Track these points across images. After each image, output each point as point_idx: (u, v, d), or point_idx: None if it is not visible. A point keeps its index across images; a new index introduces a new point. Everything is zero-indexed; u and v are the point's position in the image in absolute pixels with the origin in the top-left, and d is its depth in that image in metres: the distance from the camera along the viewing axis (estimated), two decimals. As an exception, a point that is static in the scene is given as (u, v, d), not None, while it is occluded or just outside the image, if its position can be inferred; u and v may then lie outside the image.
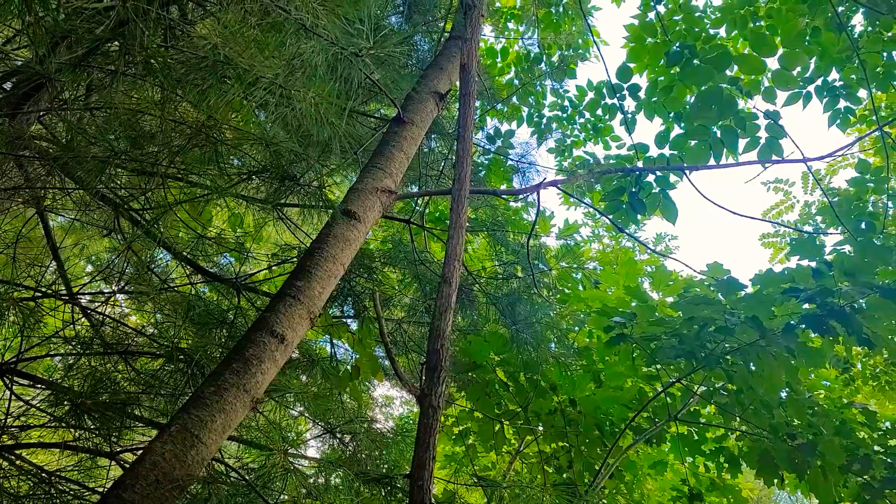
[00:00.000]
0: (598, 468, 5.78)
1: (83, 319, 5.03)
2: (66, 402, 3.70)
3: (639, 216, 5.71)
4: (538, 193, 3.50)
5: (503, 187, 7.30)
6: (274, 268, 5.48)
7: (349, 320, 5.72)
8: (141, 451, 2.33)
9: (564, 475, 6.07)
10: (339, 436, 5.78)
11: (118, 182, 3.99)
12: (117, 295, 5.28)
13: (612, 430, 6.01)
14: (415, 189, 5.23)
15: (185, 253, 5.09)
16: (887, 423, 5.73)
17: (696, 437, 6.21)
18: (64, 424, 3.68)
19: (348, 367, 5.64)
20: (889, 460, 5.28)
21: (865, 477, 5.20)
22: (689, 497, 6.00)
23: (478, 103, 7.35)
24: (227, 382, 2.56)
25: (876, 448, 5.41)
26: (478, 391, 5.88)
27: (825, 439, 4.82)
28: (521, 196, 5.46)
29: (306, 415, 5.54)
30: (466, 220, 2.83)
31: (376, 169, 3.40)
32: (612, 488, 6.29)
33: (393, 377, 6.01)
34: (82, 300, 5.13)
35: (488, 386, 5.82)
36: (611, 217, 4.60)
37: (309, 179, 3.20)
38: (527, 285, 5.52)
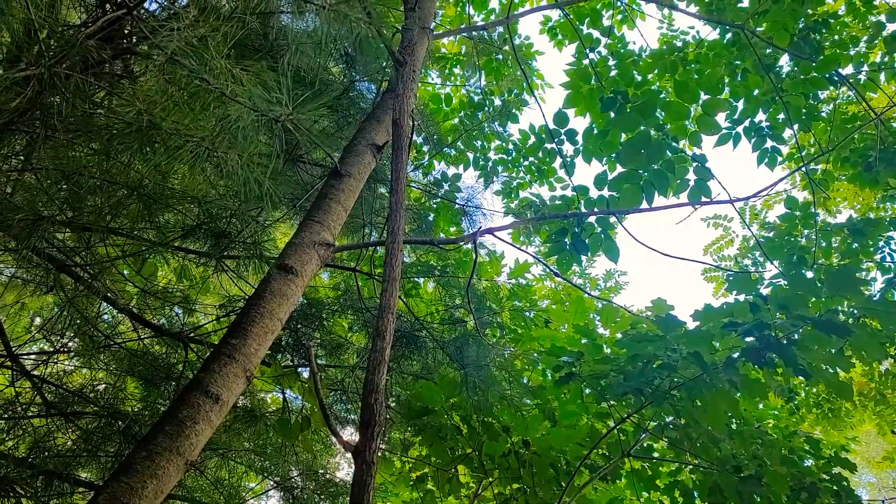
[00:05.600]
0: (555, 508, 5.78)
1: (23, 380, 4.91)
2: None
3: (582, 256, 5.85)
4: (475, 241, 3.57)
5: (453, 229, 7.41)
6: (222, 319, 5.44)
7: (302, 369, 5.68)
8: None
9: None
10: (290, 489, 5.69)
11: (57, 238, 3.95)
12: (60, 353, 5.16)
13: (567, 468, 6.03)
14: (358, 239, 5.28)
15: (130, 307, 5.03)
16: (834, 452, 5.88)
17: (651, 473, 6.26)
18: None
19: (300, 418, 5.58)
20: (835, 488, 5.41)
21: (813, 505, 5.32)
22: (646, 532, 6.04)
23: (426, 149, 7.47)
24: (159, 446, 2.53)
25: (823, 476, 5.54)
26: (431, 436, 5.87)
27: (770, 470, 4.92)
28: (461, 244, 5.54)
29: (256, 469, 5.45)
30: (400, 272, 2.88)
31: (314, 222, 3.44)
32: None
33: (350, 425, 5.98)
34: (23, 360, 5.01)
35: (441, 430, 5.82)
36: (543, 260, 4.70)
37: (245, 236, 3.22)
38: (476, 328, 5.56)
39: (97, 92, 2.37)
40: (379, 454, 2.37)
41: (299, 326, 4.99)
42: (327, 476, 5.94)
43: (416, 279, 6.63)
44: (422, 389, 5.51)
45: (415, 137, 6.04)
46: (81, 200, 3.20)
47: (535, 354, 7.67)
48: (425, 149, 7.25)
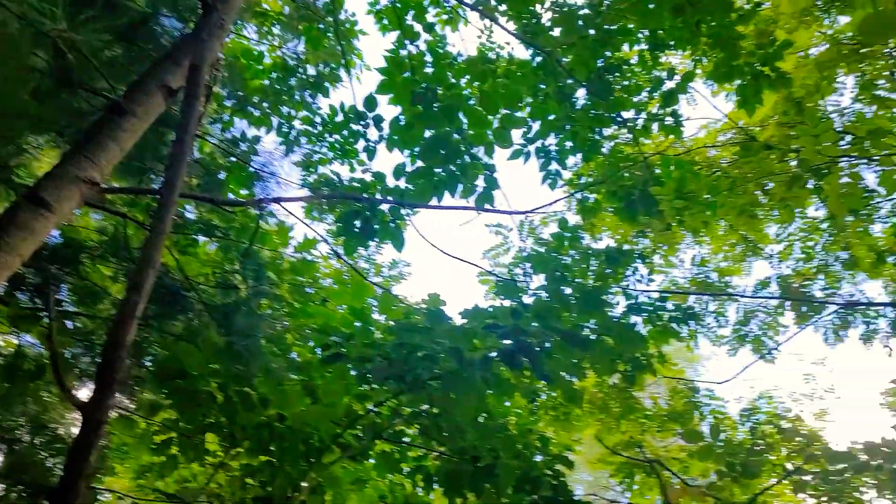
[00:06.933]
0: (301, 483, 5.81)
1: None
2: None
3: (371, 242, 5.94)
4: (262, 207, 3.48)
5: (245, 192, 7.12)
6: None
7: (44, 313, 5.14)
8: None
9: (268, 489, 6.01)
10: (12, 442, 5.15)
11: None
12: None
13: (320, 445, 6.09)
14: (135, 185, 4.89)
15: None
16: (559, 451, 6.54)
17: (398, 456, 6.53)
18: None
19: (35, 367, 5.06)
20: (554, 482, 6.04)
21: (534, 496, 5.89)
22: (384, 512, 6.31)
23: (228, 103, 7.11)
24: None
25: (546, 471, 6.15)
26: (183, 401, 5.61)
27: (503, 462, 5.36)
28: (249, 207, 5.37)
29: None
30: (170, 226, 2.72)
31: (82, 157, 3.13)
32: (314, 503, 6.35)
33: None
34: None
35: (195, 396, 5.58)
36: (330, 239, 4.72)
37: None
38: (250, 296, 5.42)
39: None
40: (115, 414, 2.23)
41: (49, 266, 4.52)
42: (58, 431, 5.45)
43: (195, 237, 6.29)
44: (180, 351, 5.25)
45: (217, 89, 5.72)
46: None
47: (308, 331, 7.65)
48: (228, 103, 6.90)
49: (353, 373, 6.24)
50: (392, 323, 7.19)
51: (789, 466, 5.85)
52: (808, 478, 4.93)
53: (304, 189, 7.09)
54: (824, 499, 5.14)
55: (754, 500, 5.27)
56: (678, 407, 8.67)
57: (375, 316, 7.97)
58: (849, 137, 5.50)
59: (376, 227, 5.75)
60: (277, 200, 3.57)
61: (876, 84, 8.14)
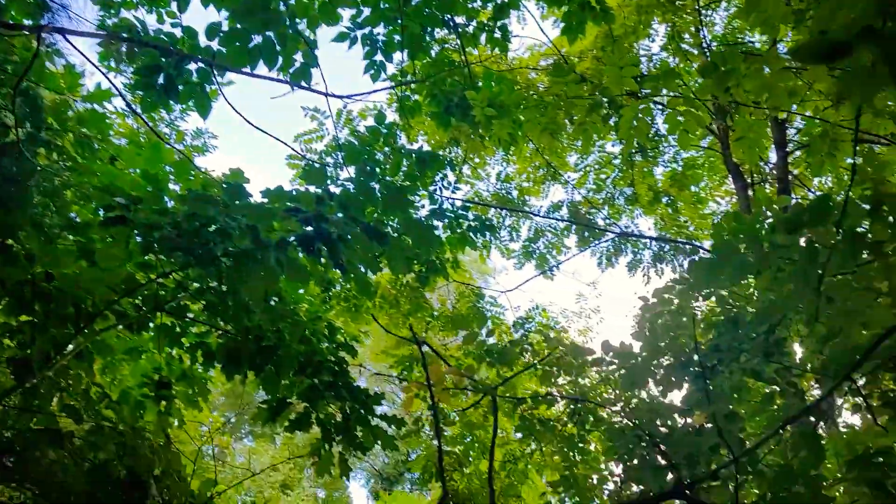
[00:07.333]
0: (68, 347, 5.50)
1: None
2: None
3: (171, 102, 5.50)
4: (39, 34, 3.05)
5: (29, 23, 6.19)
6: None
7: None
8: None
9: (28, 350, 5.61)
10: None
11: None
12: None
13: (92, 311, 5.74)
14: None
15: None
16: (345, 339, 6.73)
17: (180, 331, 6.34)
18: None
19: None
20: (336, 368, 6.25)
21: (315, 379, 6.08)
22: (157, 384, 6.18)
23: None
24: None
25: (330, 358, 6.34)
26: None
27: (286, 344, 5.42)
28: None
29: None
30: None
31: None
32: (79, 369, 6.05)
33: None
34: None
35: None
36: (126, 93, 4.30)
37: None
38: (23, 140, 4.83)
39: None
40: None
41: None
42: None
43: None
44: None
45: None
46: None
47: (93, 189, 7.00)
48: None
49: (138, 240, 5.86)
50: (187, 192, 6.81)
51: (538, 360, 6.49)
52: (554, 369, 5.58)
53: (102, 31, 6.33)
54: (564, 381, 5.84)
55: (505, 382, 5.87)
56: (463, 310, 9.26)
57: (172, 186, 7.50)
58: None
59: (181, 87, 5.33)
60: (62, 31, 3.15)
61: (682, 37, 8.84)
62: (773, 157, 10.69)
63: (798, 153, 10.27)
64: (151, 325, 6.20)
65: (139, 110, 5.45)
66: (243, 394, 13.75)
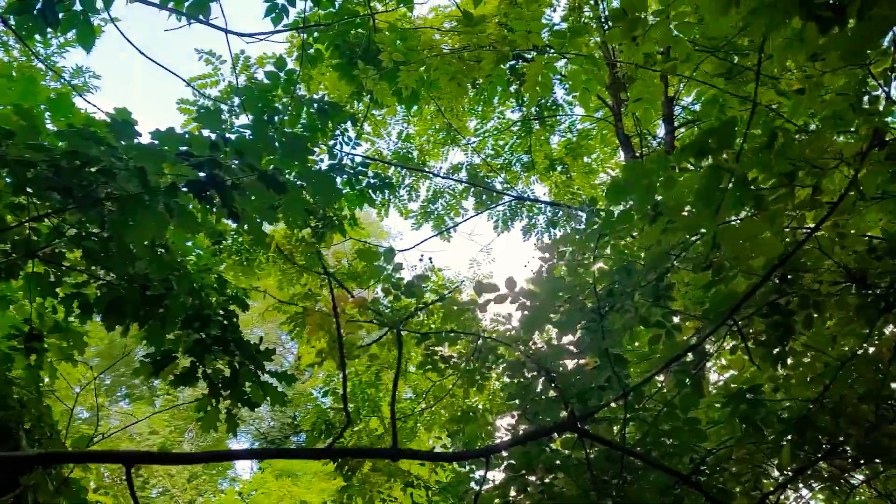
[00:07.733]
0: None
1: None
2: None
3: (50, 30, 5.05)
4: None
5: None
6: None
7: None
8: None
9: None
10: None
11: None
12: None
13: (-47, 255, 5.26)
14: None
15: None
16: (236, 293, 6.52)
17: (54, 280, 5.92)
18: None
19: None
20: (225, 322, 6.06)
21: (203, 334, 5.87)
22: (28, 336, 5.78)
23: None
24: None
25: (219, 311, 6.13)
26: None
27: (174, 294, 5.18)
28: None
29: None
30: None
31: None
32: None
33: None
34: None
35: None
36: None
37: None
38: None
39: None
40: None
41: None
42: None
43: None
44: None
45: None
46: None
47: (-46, 123, 6.36)
48: None
49: (7, 180, 5.39)
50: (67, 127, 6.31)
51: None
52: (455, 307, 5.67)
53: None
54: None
55: (413, 314, 5.95)
56: (358, 268, 9.17)
57: (51, 127, 6.92)
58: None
59: (62, 14, 4.90)
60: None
61: (582, 10, 9.02)
62: (660, 132, 11.20)
63: (683, 129, 10.79)
64: (22, 272, 5.76)
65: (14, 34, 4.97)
66: (124, 352, 13.11)
